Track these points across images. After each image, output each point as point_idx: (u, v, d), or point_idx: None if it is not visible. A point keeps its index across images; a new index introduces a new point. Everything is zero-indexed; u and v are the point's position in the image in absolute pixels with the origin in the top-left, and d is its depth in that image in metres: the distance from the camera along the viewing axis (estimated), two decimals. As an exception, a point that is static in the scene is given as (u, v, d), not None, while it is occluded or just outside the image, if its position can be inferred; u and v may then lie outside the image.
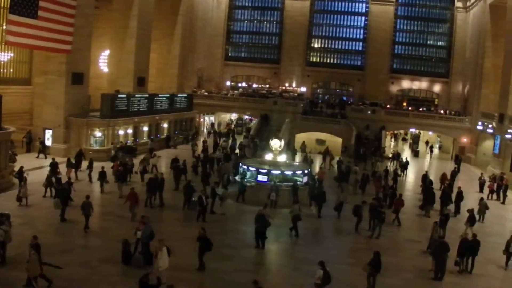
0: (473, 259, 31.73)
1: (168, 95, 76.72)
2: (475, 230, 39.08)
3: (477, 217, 42.58)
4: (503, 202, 53.36)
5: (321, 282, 25.31)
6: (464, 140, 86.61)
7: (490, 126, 75.33)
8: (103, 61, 78.63)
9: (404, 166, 66.62)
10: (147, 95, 70.84)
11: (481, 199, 47.54)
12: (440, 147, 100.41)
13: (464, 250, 31.46)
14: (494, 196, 55.56)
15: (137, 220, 33.18)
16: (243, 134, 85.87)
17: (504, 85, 71.30)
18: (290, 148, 70.26)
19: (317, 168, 61.51)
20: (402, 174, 64.80)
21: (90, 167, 48.98)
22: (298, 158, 67.28)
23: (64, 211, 36.09)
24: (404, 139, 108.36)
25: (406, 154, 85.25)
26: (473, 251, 31.60)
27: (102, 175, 44.90)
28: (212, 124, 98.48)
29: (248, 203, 43.95)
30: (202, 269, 28.24)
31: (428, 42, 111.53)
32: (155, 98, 72.32)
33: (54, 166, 45.97)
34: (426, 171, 59.09)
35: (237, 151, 67.74)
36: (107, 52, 77.84)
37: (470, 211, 39.55)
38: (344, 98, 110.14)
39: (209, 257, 29.13)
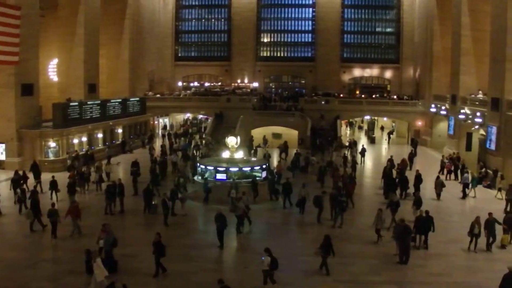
0: (426, 235, 33.32)
1: (120, 100, 76.04)
2: (437, 208, 39.92)
3: (432, 192, 46.61)
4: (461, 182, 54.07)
5: (269, 268, 26.41)
6: (419, 123, 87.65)
7: (443, 108, 76.27)
8: (52, 70, 77.50)
9: (362, 153, 67.09)
10: (99, 102, 70.06)
11: (437, 177, 48.83)
12: (392, 132, 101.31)
13: (419, 227, 33.07)
14: (453, 176, 56.32)
15: (77, 233, 33.58)
16: (198, 133, 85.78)
17: (454, 67, 72.22)
18: (249, 144, 70.66)
19: (275, 162, 61.53)
20: (361, 162, 65.27)
21: (38, 177, 48.58)
22: (257, 154, 67.36)
23: (33, 222, 35.81)
24: (360, 127, 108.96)
25: (363, 142, 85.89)
26: (427, 227, 33.20)
27: (53, 185, 44.36)
28: (165, 126, 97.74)
29: (209, 202, 43.91)
30: (160, 273, 27.92)
31: (377, 30, 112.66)
32: (108, 104, 71.62)
33: (16, 181, 45.17)
34: (391, 157, 59.48)
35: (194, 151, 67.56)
36: (55, 61, 76.77)
37: (416, 194, 40.20)
38: (297, 90, 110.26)
39: (174, 259, 29.19)
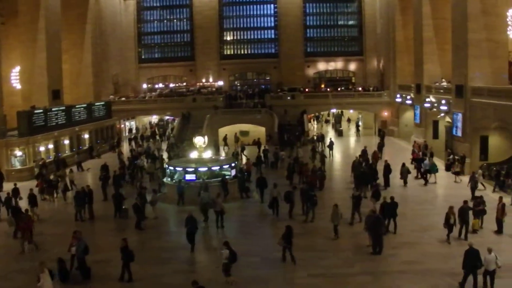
0: (394, 220, 34.38)
1: (85, 105, 75.29)
2: (406, 197, 40.25)
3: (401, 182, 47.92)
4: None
5: (228, 261, 27.01)
6: (385, 114, 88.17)
7: (408, 97, 76.80)
8: (15, 77, 76.44)
9: (330, 147, 67.27)
10: (64, 108, 69.24)
11: (403, 165, 49.12)
12: (358, 124, 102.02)
13: (385, 212, 33.91)
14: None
15: (32, 248, 32.88)
16: (165, 135, 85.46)
17: (417, 56, 72.73)
18: (225, 143, 71.42)
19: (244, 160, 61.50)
20: (329, 155, 65.43)
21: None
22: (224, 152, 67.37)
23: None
24: (327, 121, 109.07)
25: (330, 135, 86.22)
26: (393, 212, 34.34)
27: (15, 192, 43.47)
28: (130, 130, 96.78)
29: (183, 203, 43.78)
30: (129, 280, 27.58)
31: (339, 23, 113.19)
32: (73, 110, 70.86)
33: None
34: (365, 147, 59.87)
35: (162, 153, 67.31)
36: (18, 68, 75.85)
37: (375, 186, 40.35)
38: (263, 87, 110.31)
39: (147, 262, 29.14)
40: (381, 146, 65.36)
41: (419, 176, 51.61)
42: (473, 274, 25.36)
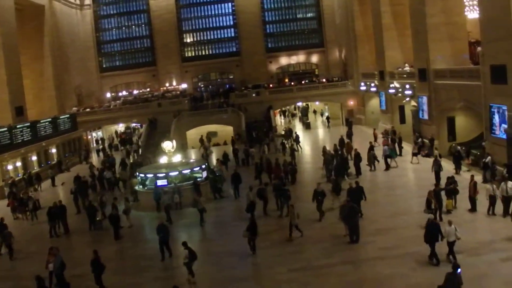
0: (359, 204, 34.09)
1: (50, 119, 74.46)
2: (377, 183, 40.51)
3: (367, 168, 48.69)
4: (400, 154, 54.67)
5: (188, 260, 27.54)
6: (351, 103, 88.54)
7: (372, 85, 77.28)
8: (-25, 97, 75.65)
9: (296, 140, 67.44)
10: (28, 124, 68.46)
11: (368, 150, 49.84)
12: (322, 114, 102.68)
13: (352, 197, 33.90)
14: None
15: None
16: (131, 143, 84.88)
17: (378, 44, 73.09)
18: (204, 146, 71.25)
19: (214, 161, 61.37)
20: (297, 149, 65.58)
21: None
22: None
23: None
24: (293, 115, 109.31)
25: (298, 128, 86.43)
26: (359, 196, 35.12)
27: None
28: (98, 141, 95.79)
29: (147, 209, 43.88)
30: None
31: (298, 16, 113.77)
32: (38, 125, 70.04)
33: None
34: (342, 136, 60.24)
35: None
36: (-23, 87, 74.88)
37: (333, 180, 40.15)
38: (227, 86, 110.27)
39: (126, 272, 29.20)
40: (349, 134, 65.85)
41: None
42: (432, 246, 26.65)
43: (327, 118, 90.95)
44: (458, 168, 44.65)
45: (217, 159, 58.70)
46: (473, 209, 33.88)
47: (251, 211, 36.92)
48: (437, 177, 40.80)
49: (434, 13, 53.46)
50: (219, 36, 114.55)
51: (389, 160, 50.55)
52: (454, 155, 45.89)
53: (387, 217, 34.17)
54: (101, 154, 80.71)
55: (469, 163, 46.50)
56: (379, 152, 51.77)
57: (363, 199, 35.55)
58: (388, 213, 35.15)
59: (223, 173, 49.94)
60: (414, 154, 51.39)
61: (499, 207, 32.28)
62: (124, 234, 37.57)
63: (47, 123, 73.09)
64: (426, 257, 26.70)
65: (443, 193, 34.09)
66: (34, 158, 67.22)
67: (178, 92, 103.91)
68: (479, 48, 46.86)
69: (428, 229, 26.99)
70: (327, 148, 54.60)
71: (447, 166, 44.74)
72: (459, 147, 48.79)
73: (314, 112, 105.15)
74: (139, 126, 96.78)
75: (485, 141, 44.67)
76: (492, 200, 32.50)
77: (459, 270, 21.65)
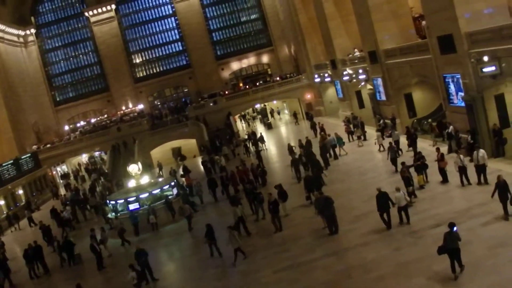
0: (318, 190, 35.18)
1: (12, 161, 73.40)
2: (348, 170, 40.69)
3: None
4: (364, 139, 54.94)
5: (137, 282, 29.07)
6: (308, 96, 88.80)
7: (326, 75, 77.65)
8: None
9: (261, 140, 67.58)
10: (-10, 169, 67.73)
11: (323, 139, 51.28)
12: (279, 112, 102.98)
13: (310, 185, 37.36)
14: (354, 137, 57.15)
15: None
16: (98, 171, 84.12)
17: (325, 34, 73.34)
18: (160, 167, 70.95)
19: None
20: (263, 148, 65.97)
21: None
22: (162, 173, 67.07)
23: None
24: (254, 118, 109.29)
25: (260, 130, 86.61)
26: (318, 183, 38.33)
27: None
28: (63, 175, 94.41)
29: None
30: None
31: (242, 19, 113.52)
32: (0, 169, 69.25)
33: None
34: (322, 131, 59.28)
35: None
36: None
37: (277, 186, 39.09)
38: (184, 100, 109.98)
39: None
40: (313, 126, 66.80)
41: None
42: (386, 213, 29.23)
43: (294, 114, 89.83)
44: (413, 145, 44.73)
45: (186, 174, 58.21)
46: (444, 180, 34.28)
47: (239, 229, 34.76)
48: (394, 164, 40.35)
49: (374, -6, 53.97)
50: (167, 52, 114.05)
51: (337, 149, 51.73)
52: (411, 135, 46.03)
53: (363, 202, 34.33)
54: (68, 188, 79.50)
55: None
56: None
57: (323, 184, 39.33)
58: (363, 197, 35.28)
59: (200, 185, 49.49)
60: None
61: (472, 177, 32.55)
62: (105, 264, 37.18)
63: (9, 165, 72.07)
64: (408, 235, 26.95)
65: (412, 169, 34.34)
66: (2, 202, 66.29)
67: (136, 114, 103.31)
68: (423, 22, 47.24)
69: (378, 199, 29.31)
70: (292, 144, 54.83)
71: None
72: (425, 121, 49.21)
73: (272, 111, 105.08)
74: (103, 153, 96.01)
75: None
76: (462, 170, 32.78)
77: (455, 228, 22.15)
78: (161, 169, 69.44)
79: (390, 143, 43.45)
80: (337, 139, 52.29)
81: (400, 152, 43.13)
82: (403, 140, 46.97)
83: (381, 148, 49.39)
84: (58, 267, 40.09)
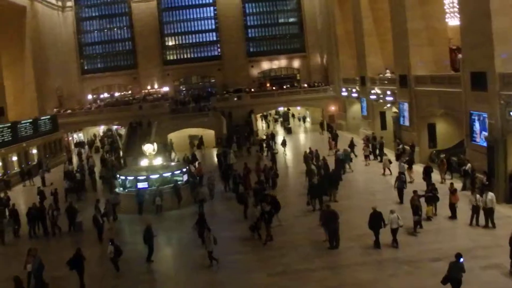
0: (320, 200, 38.40)
1: (31, 120, 73.90)
2: (357, 187, 40.56)
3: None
4: (380, 161, 54.78)
5: (113, 255, 29.76)
6: (332, 108, 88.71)
7: (353, 90, 77.43)
8: (-45, 97, 75.06)
9: (283, 144, 67.42)
10: (9, 124, 68.04)
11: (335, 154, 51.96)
12: (300, 119, 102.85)
13: (314, 192, 39.17)
14: (371, 157, 57.12)
15: None
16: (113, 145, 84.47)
17: (359, 49, 73.15)
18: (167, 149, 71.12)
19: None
20: (283, 153, 66.48)
21: None
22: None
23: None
24: (275, 120, 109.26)
25: (280, 133, 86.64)
26: (321, 191, 39.51)
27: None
28: (77, 144, 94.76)
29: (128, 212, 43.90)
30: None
31: (280, 21, 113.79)
32: (18, 126, 69.55)
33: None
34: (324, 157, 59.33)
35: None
36: (-42, 88, 74.33)
37: (270, 197, 38.77)
38: (209, 90, 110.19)
39: (106, 275, 29.76)
40: (335, 136, 67.91)
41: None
42: (376, 232, 30.02)
43: (321, 124, 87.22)
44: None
45: (198, 163, 58.07)
46: (453, 216, 34.04)
47: (255, 231, 34.36)
48: (400, 195, 39.24)
49: (414, 18, 53.56)
50: (200, 40, 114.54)
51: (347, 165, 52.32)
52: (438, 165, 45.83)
53: (366, 222, 34.24)
54: (83, 156, 79.63)
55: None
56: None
57: (326, 194, 40.42)
58: (367, 218, 35.17)
59: (213, 179, 49.18)
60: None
61: (481, 219, 32.35)
62: (104, 237, 37.26)
63: (27, 124, 72.55)
64: (406, 263, 26.93)
65: (423, 199, 34.20)
66: (15, 158, 66.92)
67: (160, 95, 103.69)
68: (459, 55, 47.07)
69: (372, 218, 30.10)
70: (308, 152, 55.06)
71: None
72: (442, 154, 48.70)
73: (293, 116, 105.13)
74: (120, 128, 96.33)
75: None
76: (475, 210, 32.42)
77: (461, 259, 22.38)
78: (175, 153, 69.44)
79: (399, 172, 42.55)
80: (345, 155, 52.47)
81: (405, 185, 41.95)
82: (418, 169, 46.67)
83: (386, 172, 49.47)
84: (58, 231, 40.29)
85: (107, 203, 41.65)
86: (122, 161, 65.60)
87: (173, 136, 79.59)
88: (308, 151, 55.52)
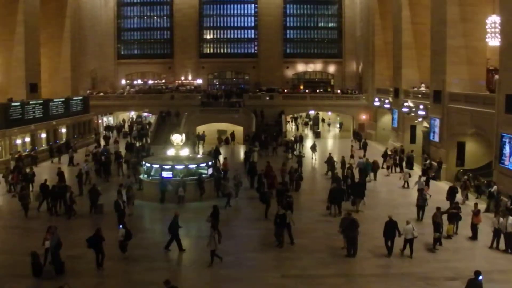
0: (339, 205, 39.59)
1: (63, 99, 74.70)
2: (378, 202, 40.39)
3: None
4: (409, 176, 54.38)
5: (123, 238, 30.04)
6: (363, 117, 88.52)
7: (386, 101, 77.11)
8: (-9, 70, 75.69)
9: (313, 148, 66.71)
10: (41, 101, 68.73)
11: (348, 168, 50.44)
12: (329, 124, 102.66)
13: (333, 197, 39.76)
14: (397, 169, 56.88)
15: None
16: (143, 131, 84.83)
17: (396, 61, 72.97)
18: (199, 140, 72.88)
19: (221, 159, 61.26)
20: (312, 157, 65.87)
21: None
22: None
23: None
24: (306, 123, 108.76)
25: (309, 137, 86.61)
26: (340, 198, 40.32)
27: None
28: (106, 128, 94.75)
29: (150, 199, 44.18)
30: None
31: (319, 25, 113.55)
32: (50, 104, 70.27)
33: None
34: (390, 154, 59.73)
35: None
36: (-5, 61, 74.91)
37: (287, 197, 38.60)
38: (242, 86, 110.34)
39: (120, 259, 29.64)
40: (365, 145, 68.02)
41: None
42: (391, 241, 30.51)
43: (356, 134, 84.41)
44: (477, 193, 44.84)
45: (224, 158, 58.19)
46: (474, 237, 33.75)
47: (280, 228, 33.20)
48: (420, 212, 38.85)
49: (455, 35, 53.32)
50: (238, 36, 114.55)
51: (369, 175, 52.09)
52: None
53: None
54: (111, 140, 79.83)
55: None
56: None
57: (344, 199, 41.23)
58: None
59: (240, 177, 48.98)
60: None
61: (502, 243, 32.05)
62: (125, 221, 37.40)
63: (59, 102, 73.30)
64: (421, 279, 26.78)
65: (445, 217, 33.98)
66: (44, 135, 67.44)
67: (193, 87, 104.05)
68: (496, 76, 46.73)
69: (387, 226, 30.63)
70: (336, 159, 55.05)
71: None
72: (466, 176, 48.12)
73: (323, 120, 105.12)
74: (150, 116, 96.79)
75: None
76: (497, 233, 32.08)
77: (480, 277, 22.30)
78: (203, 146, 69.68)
79: (421, 189, 41.41)
80: (367, 164, 52.43)
81: (426, 203, 41.23)
82: (443, 186, 46.36)
83: (406, 185, 49.47)
84: (79, 212, 40.30)
85: (129, 188, 41.76)
86: (146, 149, 65.70)
87: (201, 129, 79.74)
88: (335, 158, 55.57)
